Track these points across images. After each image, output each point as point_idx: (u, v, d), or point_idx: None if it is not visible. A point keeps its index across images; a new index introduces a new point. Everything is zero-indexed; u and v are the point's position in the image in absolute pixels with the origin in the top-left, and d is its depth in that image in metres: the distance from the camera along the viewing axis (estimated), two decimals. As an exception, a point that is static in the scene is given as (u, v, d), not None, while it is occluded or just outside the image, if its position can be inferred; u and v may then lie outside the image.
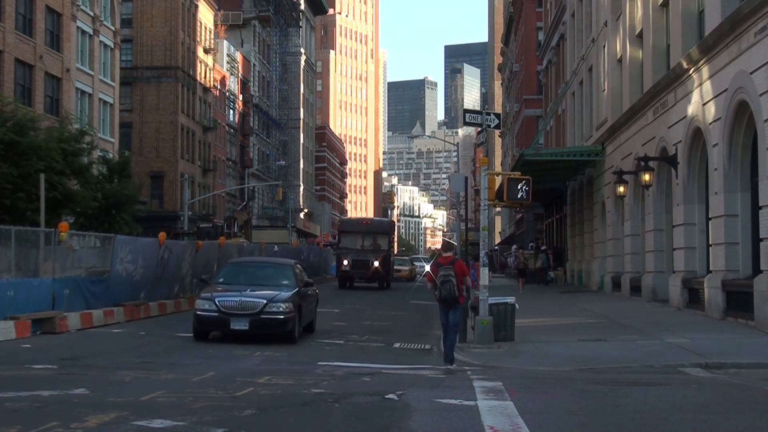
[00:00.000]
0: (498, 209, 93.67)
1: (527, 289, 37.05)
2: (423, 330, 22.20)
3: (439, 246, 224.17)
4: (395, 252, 61.70)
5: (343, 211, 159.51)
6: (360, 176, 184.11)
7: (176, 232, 54.17)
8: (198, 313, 18.15)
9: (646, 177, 25.46)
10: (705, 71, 21.59)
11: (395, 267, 51.05)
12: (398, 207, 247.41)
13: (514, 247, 46.43)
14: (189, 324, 18.83)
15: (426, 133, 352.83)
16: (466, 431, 8.46)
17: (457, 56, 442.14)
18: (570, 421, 8.98)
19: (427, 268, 70.80)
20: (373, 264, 41.30)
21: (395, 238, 59.02)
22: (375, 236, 43.64)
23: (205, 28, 76.51)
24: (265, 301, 17.86)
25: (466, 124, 20.14)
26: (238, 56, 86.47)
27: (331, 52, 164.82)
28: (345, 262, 42.02)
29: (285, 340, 17.95)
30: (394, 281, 47.23)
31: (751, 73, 18.26)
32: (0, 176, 30.50)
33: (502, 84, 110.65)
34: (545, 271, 43.97)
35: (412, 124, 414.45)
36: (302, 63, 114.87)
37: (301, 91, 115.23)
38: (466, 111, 19.77)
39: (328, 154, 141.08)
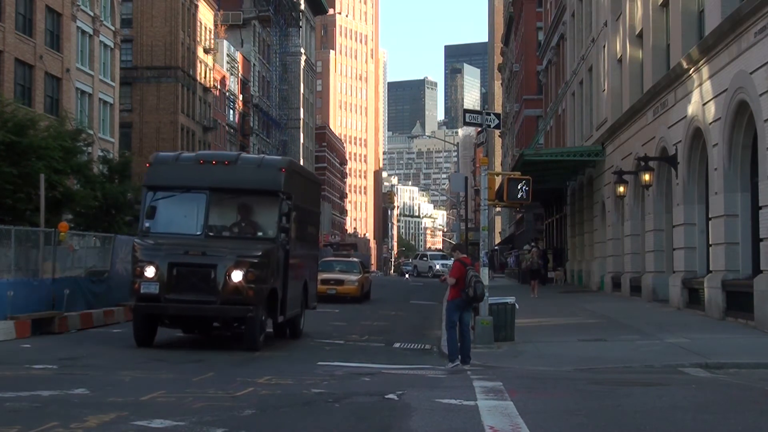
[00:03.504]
0: (498, 209, 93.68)
1: (526, 290, 34.85)
2: (423, 330, 22.21)
3: (440, 245, 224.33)
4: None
5: (343, 211, 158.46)
6: (360, 176, 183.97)
7: (176, 232, 53.97)
8: None
9: (646, 177, 25.46)
10: (705, 71, 21.59)
11: (334, 275, 28.92)
12: (398, 207, 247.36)
13: (525, 247, 45.48)
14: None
15: (426, 133, 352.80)
16: (466, 431, 8.46)
17: (457, 56, 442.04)
18: (570, 421, 8.97)
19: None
20: (228, 278, 15.95)
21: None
22: (242, 202, 17.46)
23: (205, 28, 76.50)
24: None
25: (466, 124, 20.15)
26: (238, 56, 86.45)
27: (331, 52, 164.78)
28: (149, 273, 16.10)
29: None
30: (333, 302, 26.70)
31: (751, 73, 18.26)
32: (0, 176, 30.49)
33: (502, 84, 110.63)
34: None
35: (412, 124, 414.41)
36: (302, 63, 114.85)
37: (301, 91, 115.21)
38: (466, 111, 19.78)
39: (328, 154, 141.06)
